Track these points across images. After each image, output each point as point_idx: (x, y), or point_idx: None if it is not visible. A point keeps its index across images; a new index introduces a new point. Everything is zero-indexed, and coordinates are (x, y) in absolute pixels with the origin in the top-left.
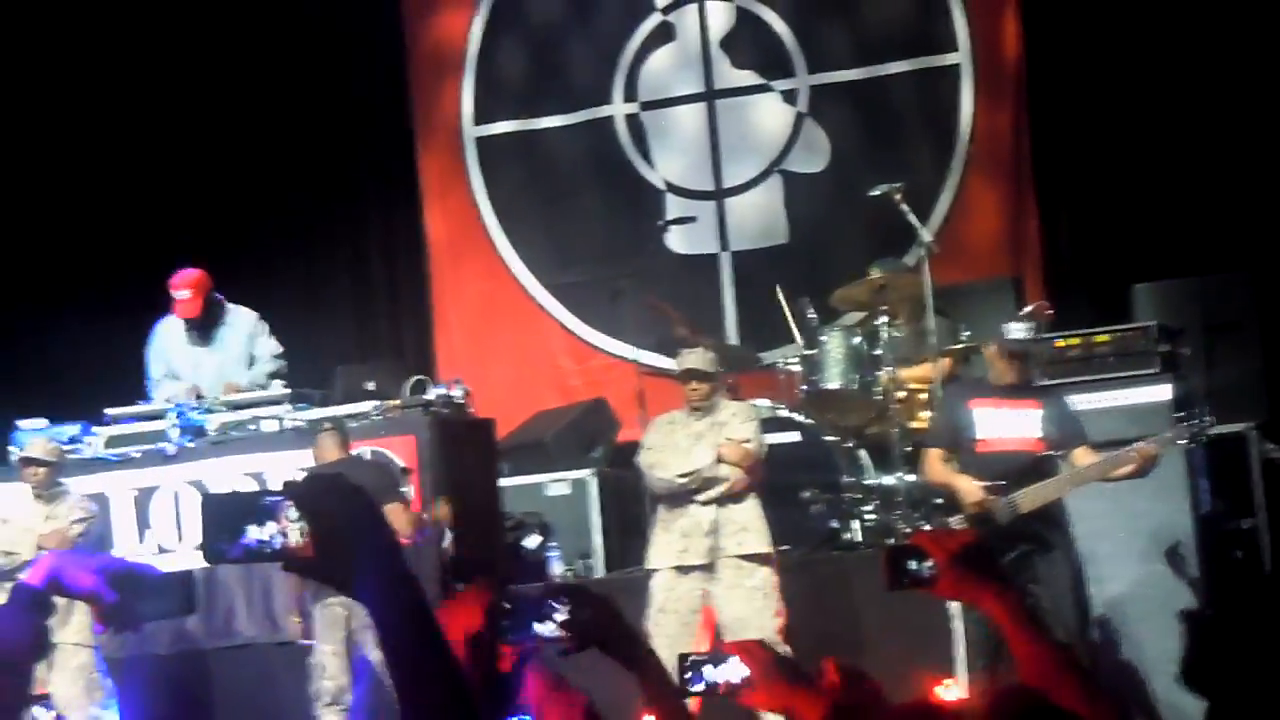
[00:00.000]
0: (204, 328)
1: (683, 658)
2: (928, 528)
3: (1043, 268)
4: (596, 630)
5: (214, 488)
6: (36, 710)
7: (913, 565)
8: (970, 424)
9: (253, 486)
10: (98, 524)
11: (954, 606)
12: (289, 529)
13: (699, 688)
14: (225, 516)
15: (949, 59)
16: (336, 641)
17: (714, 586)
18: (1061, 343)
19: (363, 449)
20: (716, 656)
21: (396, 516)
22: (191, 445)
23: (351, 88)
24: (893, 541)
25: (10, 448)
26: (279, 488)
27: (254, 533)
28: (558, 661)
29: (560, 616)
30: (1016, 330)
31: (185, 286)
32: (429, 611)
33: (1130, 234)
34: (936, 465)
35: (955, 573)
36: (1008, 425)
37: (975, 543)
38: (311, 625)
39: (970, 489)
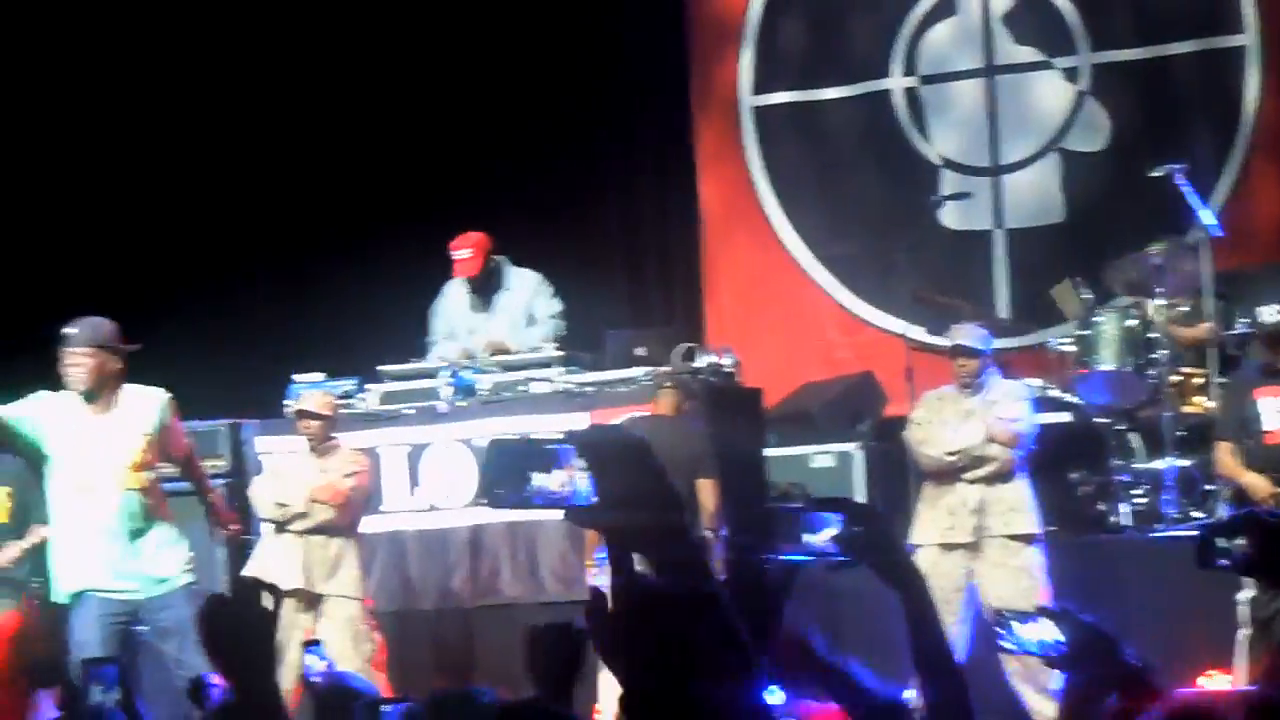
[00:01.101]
0: (484, 290)
1: (998, 611)
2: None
3: None
4: (869, 547)
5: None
6: (308, 656)
7: (1223, 544)
8: (1256, 415)
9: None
10: (369, 479)
11: (1242, 593)
12: (575, 478)
13: (1007, 644)
14: (512, 463)
15: (1236, 40)
16: None
17: (978, 565)
18: None
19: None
20: (1029, 615)
21: (706, 492)
22: (463, 404)
23: (631, 55)
24: (1209, 520)
25: (286, 401)
26: (564, 437)
27: (539, 480)
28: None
29: (833, 530)
30: (1268, 314)
31: (465, 246)
32: (706, 565)
33: None
34: (1227, 460)
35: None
36: None
37: None
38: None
39: (1260, 485)
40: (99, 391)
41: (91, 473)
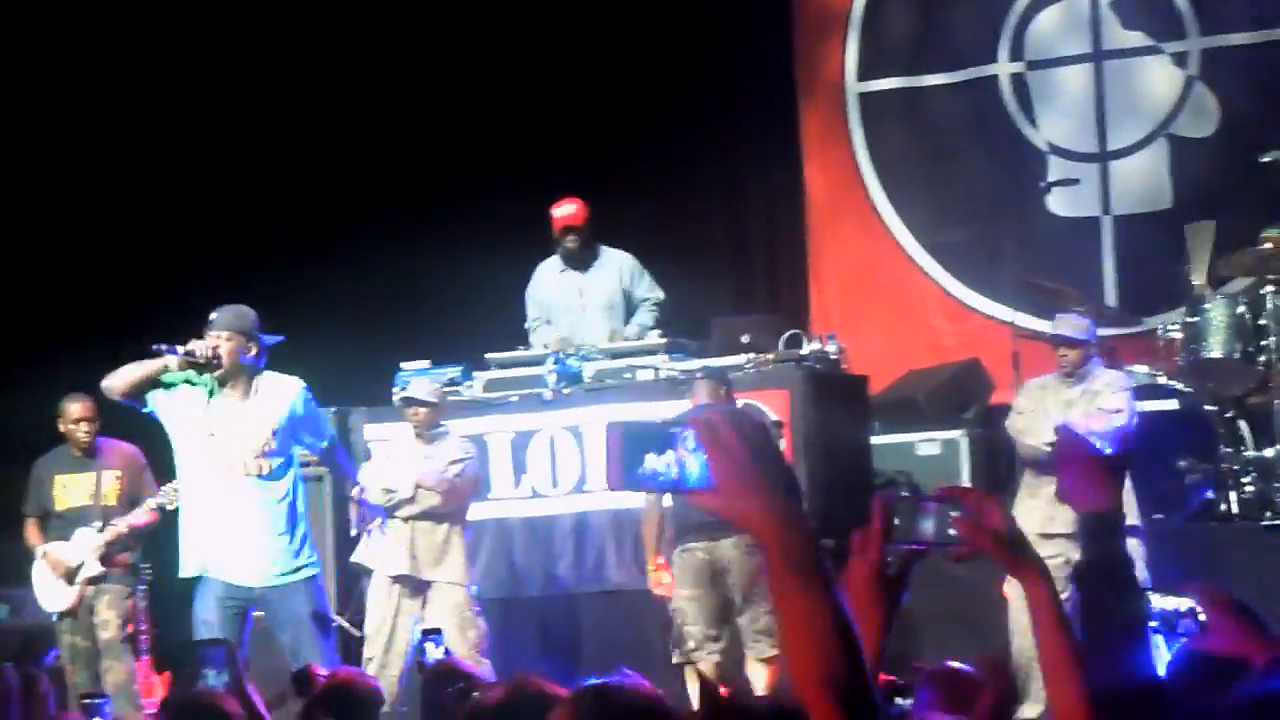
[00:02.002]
0: (577, 262)
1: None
2: None
3: None
4: (988, 536)
5: (596, 431)
6: (428, 645)
7: None
8: None
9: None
10: (476, 466)
11: None
12: (687, 459)
13: (1151, 624)
14: (629, 444)
15: None
16: (696, 586)
17: (1077, 555)
18: None
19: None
20: (1165, 590)
21: None
22: (568, 392)
23: (737, 41)
24: None
25: (394, 389)
26: (681, 418)
27: (652, 462)
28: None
29: (952, 520)
30: None
31: (569, 201)
32: (822, 554)
33: None
34: None
35: None
36: None
37: None
38: (671, 570)
39: None
40: (235, 376)
41: (222, 456)
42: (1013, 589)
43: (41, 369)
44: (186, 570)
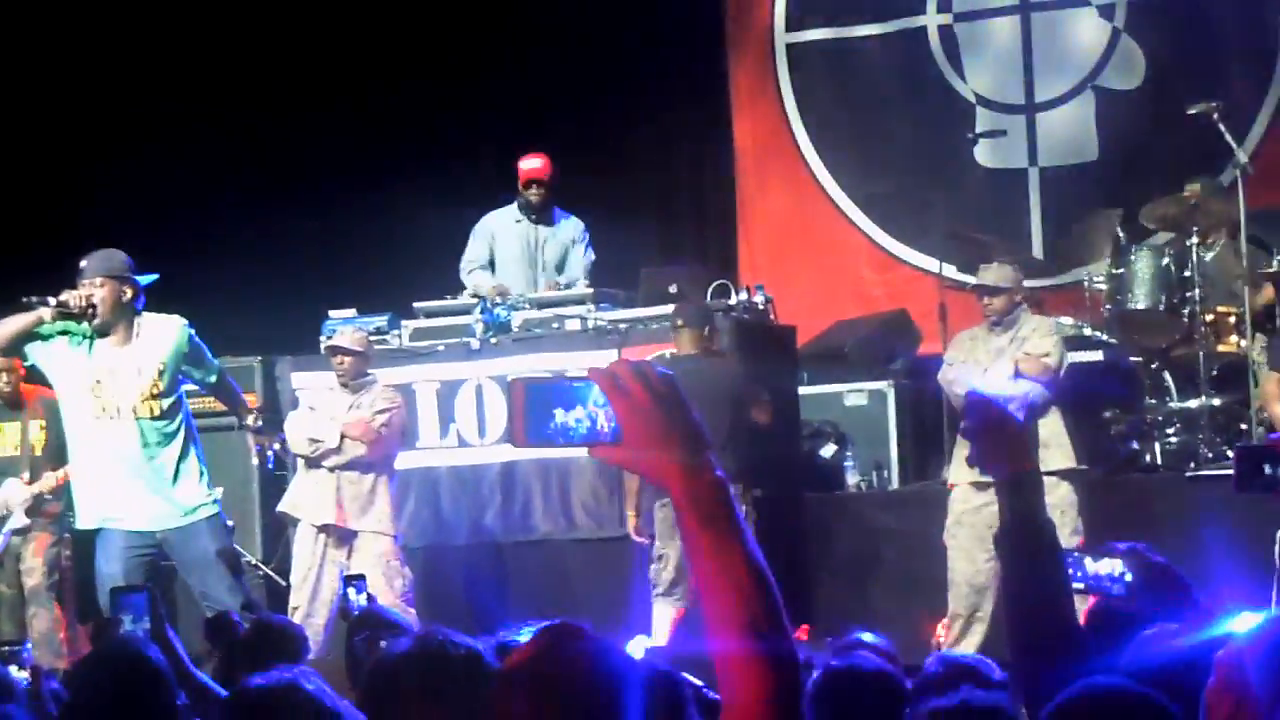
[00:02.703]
0: (539, 219)
1: (1067, 549)
2: None
3: None
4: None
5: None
6: (350, 591)
7: (1268, 470)
8: None
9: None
10: (402, 415)
11: None
12: (596, 414)
13: (1076, 582)
14: (534, 401)
15: None
16: (671, 539)
17: None
18: None
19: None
20: (1097, 552)
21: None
22: (495, 341)
23: None
24: (1252, 443)
25: (320, 337)
26: (588, 373)
27: (561, 417)
28: None
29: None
30: None
31: (535, 156)
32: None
33: None
34: (1273, 389)
35: None
36: None
37: None
38: (650, 524)
39: None
40: (115, 321)
41: (109, 403)
42: (949, 537)
43: None
44: (85, 522)
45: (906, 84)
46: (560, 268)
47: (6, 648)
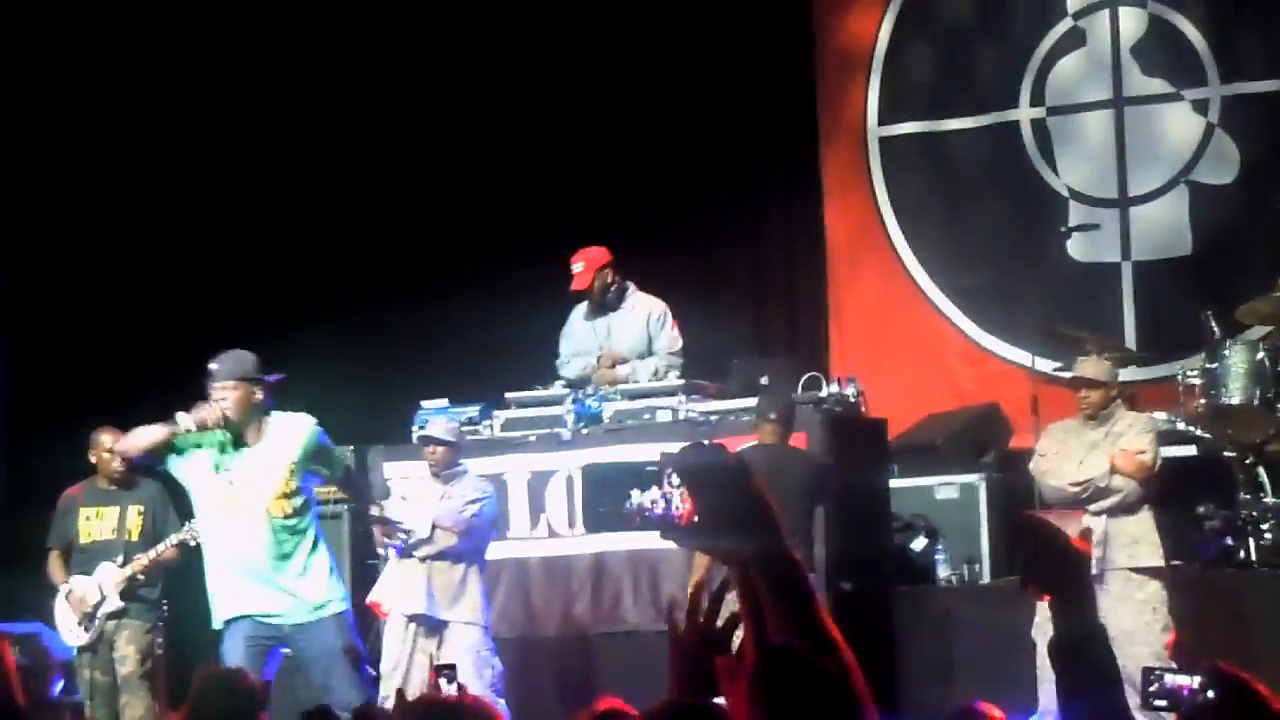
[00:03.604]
0: (600, 308)
1: (1147, 671)
2: None
3: None
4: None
5: None
6: (441, 681)
7: None
8: None
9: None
10: (493, 506)
11: None
12: (671, 495)
13: (1158, 700)
14: (607, 484)
15: None
16: None
17: (1102, 598)
18: None
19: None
20: (1180, 670)
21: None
22: (587, 432)
23: (759, 84)
24: None
25: (413, 427)
26: (661, 459)
27: (636, 498)
28: None
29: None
30: None
31: (579, 260)
32: (809, 591)
33: None
34: None
35: None
36: None
37: None
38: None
39: None
40: (245, 423)
41: (240, 503)
42: (1039, 632)
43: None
44: (219, 618)
45: (999, 177)
46: (637, 350)
47: None
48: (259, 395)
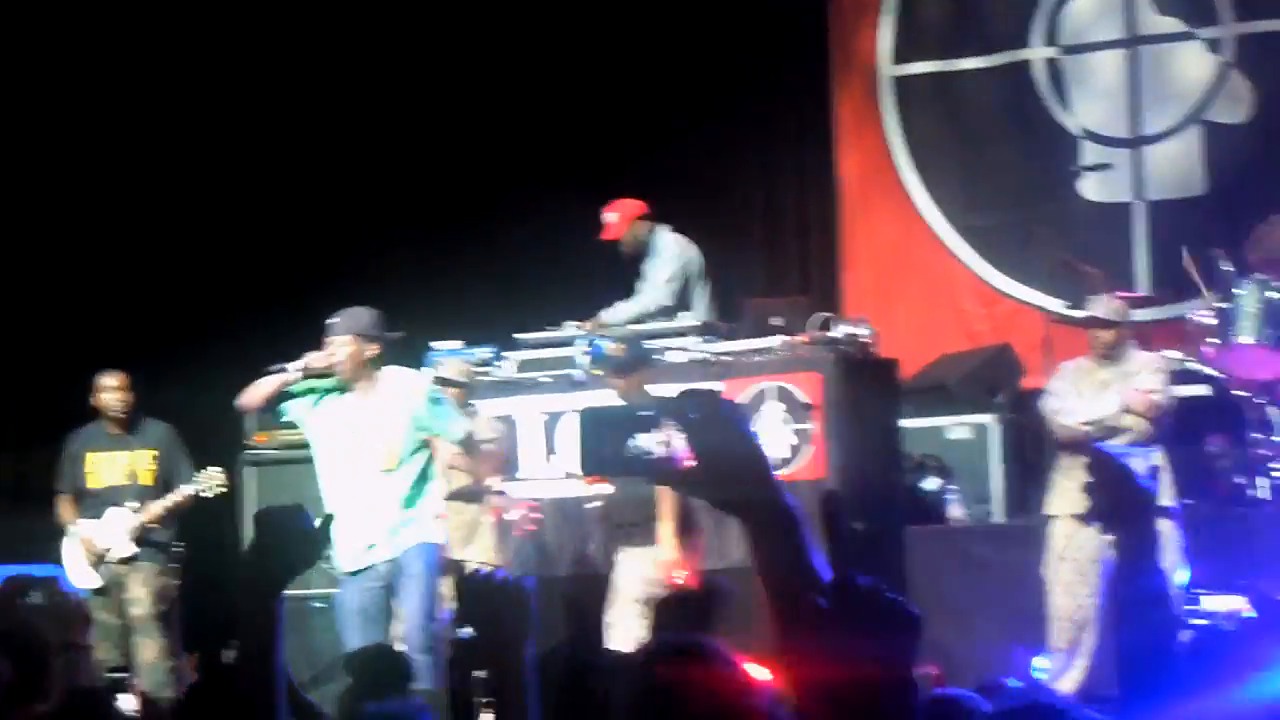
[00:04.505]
0: (634, 259)
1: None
2: None
3: None
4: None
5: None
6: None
7: None
8: None
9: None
10: (505, 446)
11: None
12: (672, 439)
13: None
14: (605, 429)
15: None
16: None
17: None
18: None
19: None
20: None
21: None
22: (599, 373)
23: (771, 25)
24: None
25: (424, 368)
26: (658, 404)
27: (641, 441)
28: None
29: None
30: None
31: (614, 210)
32: (803, 538)
33: None
34: None
35: None
36: None
37: None
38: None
39: None
40: (358, 377)
41: (352, 453)
42: (1050, 571)
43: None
44: (340, 569)
45: (1011, 117)
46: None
47: (113, 675)
48: (372, 351)
